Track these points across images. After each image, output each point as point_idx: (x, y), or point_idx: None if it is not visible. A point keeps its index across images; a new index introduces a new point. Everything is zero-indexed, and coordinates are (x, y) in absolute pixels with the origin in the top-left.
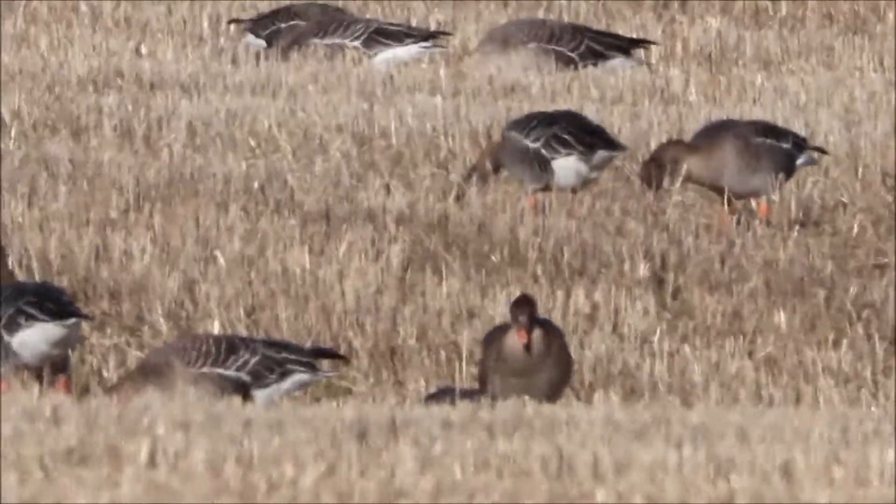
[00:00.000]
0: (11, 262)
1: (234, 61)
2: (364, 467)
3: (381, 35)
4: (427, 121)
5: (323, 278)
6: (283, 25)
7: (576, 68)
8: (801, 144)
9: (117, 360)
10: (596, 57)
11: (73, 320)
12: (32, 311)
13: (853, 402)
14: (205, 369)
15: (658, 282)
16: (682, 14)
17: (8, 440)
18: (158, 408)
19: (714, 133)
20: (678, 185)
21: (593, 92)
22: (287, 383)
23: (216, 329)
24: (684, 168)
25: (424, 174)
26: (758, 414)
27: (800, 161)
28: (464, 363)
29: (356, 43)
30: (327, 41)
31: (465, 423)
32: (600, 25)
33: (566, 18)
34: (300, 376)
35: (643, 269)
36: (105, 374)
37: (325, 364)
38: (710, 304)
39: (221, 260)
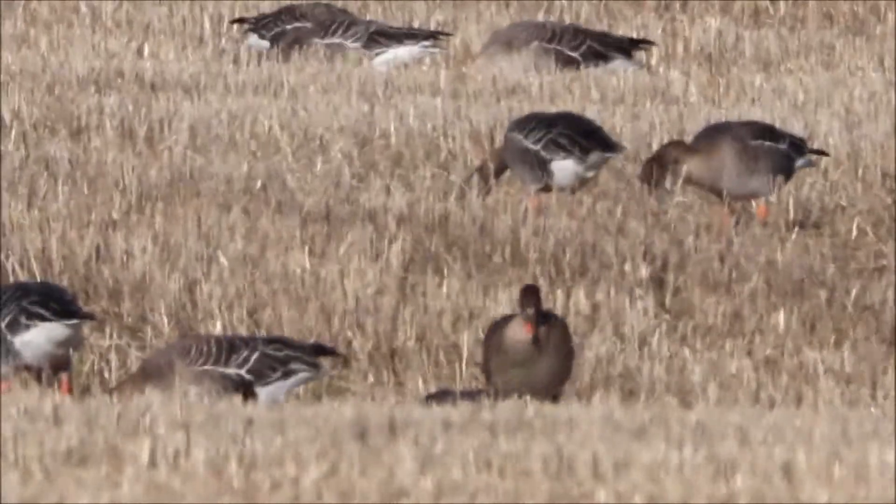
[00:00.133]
0: None
1: (236, 62)
2: (365, 467)
3: (382, 36)
4: (427, 121)
5: (323, 279)
6: (288, 27)
7: (578, 68)
8: (799, 146)
9: (118, 360)
10: (598, 58)
11: (76, 320)
12: (36, 310)
13: (853, 403)
14: (206, 368)
15: (658, 282)
16: (683, 13)
17: (8, 440)
18: (159, 408)
19: (713, 135)
20: (678, 186)
21: (594, 93)
22: (290, 381)
23: (217, 329)
24: (684, 170)
25: (425, 175)
26: (758, 414)
27: (799, 163)
28: (464, 364)
29: (357, 44)
30: (328, 42)
31: (465, 423)
32: (602, 26)
33: (567, 19)
34: (302, 374)
35: (643, 270)
36: (106, 374)
37: (326, 362)
38: (710, 305)
39: (223, 260)
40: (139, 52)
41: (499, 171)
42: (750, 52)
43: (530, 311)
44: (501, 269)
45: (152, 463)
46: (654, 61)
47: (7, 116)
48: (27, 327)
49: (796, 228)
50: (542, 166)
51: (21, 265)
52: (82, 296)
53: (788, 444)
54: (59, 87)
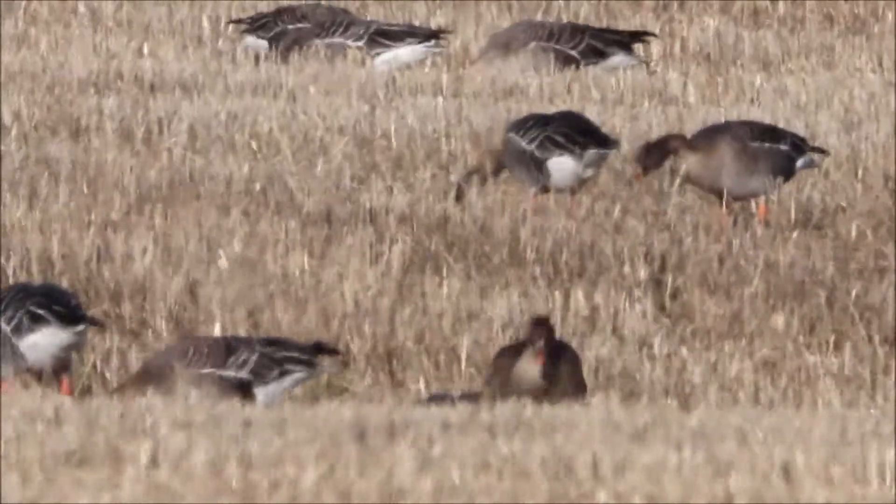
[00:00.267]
0: None
1: (235, 62)
2: (364, 468)
3: (382, 36)
4: (428, 122)
5: (323, 280)
6: (289, 27)
7: (577, 67)
8: (800, 146)
9: (119, 361)
10: (597, 55)
11: (82, 327)
12: (42, 313)
13: (852, 404)
14: (205, 370)
15: (657, 283)
16: (682, 13)
17: (9, 441)
18: (159, 409)
19: (712, 135)
20: (676, 186)
21: (594, 93)
22: (287, 380)
23: (217, 331)
24: (683, 169)
25: (425, 176)
26: (757, 415)
27: (799, 163)
28: (463, 365)
29: (358, 43)
30: (328, 42)
31: (464, 424)
32: (600, 26)
33: (566, 19)
34: (300, 374)
35: (643, 271)
36: (107, 375)
37: (325, 360)
38: (709, 306)
39: (222, 262)
40: (139, 52)
41: (496, 172)
42: (749, 52)
43: (540, 343)
44: (501, 269)
45: (152, 464)
46: (653, 60)
47: (7, 117)
48: (33, 330)
49: (797, 229)
50: (538, 166)
51: (21, 266)
52: (83, 297)
53: (787, 445)
54: (59, 88)
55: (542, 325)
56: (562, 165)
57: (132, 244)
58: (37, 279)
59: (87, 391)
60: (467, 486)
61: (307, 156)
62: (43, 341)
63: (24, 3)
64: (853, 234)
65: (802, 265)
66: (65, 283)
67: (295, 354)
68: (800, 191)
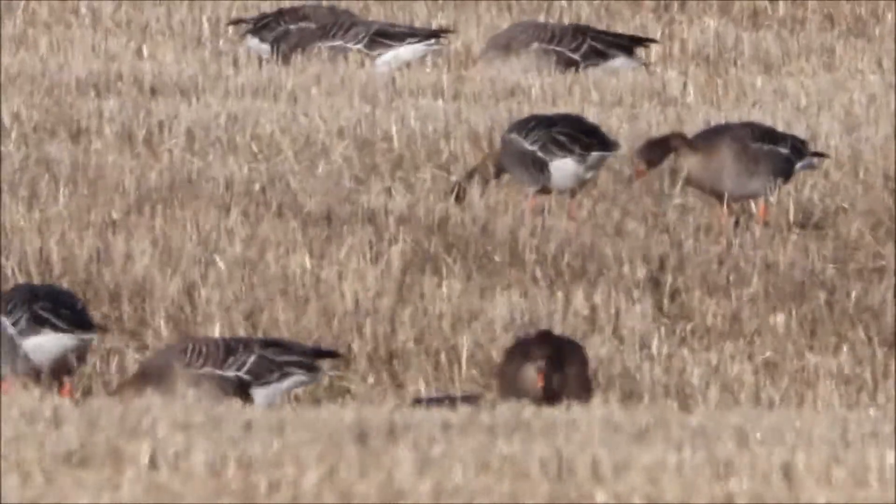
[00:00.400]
0: None
1: (235, 64)
2: (364, 469)
3: (383, 36)
4: (429, 123)
5: (324, 281)
6: (292, 27)
7: (577, 69)
8: (800, 149)
9: (118, 362)
10: (598, 57)
11: (91, 335)
12: (48, 316)
13: (852, 405)
14: (204, 370)
15: (657, 284)
16: (682, 14)
17: (9, 442)
18: (159, 410)
19: (712, 137)
20: (678, 187)
21: (593, 94)
22: (286, 383)
23: (217, 332)
24: (684, 170)
25: (425, 177)
26: (757, 416)
27: (799, 165)
28: (463, 366)
29: (358, 45)
30: (329, 44)
31: (464, 425)
32: (601, 27)
33: (567, 20)
34: (299, 376)
35: (642, 272)
36: (106, 376)
37: (325, 364)
38: (709, 307)
39: (222, 263)
40: (138, 54)
41: (497, 174)
42: (749, 53)
43: (542, 363)
44: (501, 270)
45: (152, 464)
46: (652, 61)
47: (7, 119)
48: (38, 333)
49: (796, 230)
50: (540, 167)
51: (20, 267)
52: (82, 298)
53: (787, 446)
54: (59, 89)
55: (544, 341)
56: (564, 167)
57: (132, 245)
58: (36, 280)
59: (86, 392)
60: (467, 486)
61: (308, 157)
62: (48, 344)
63: (22, 3)
64: (853, 234)
65: (802, 266)
66: (64, 285)
67: (295, 357)
68: (799, 191)
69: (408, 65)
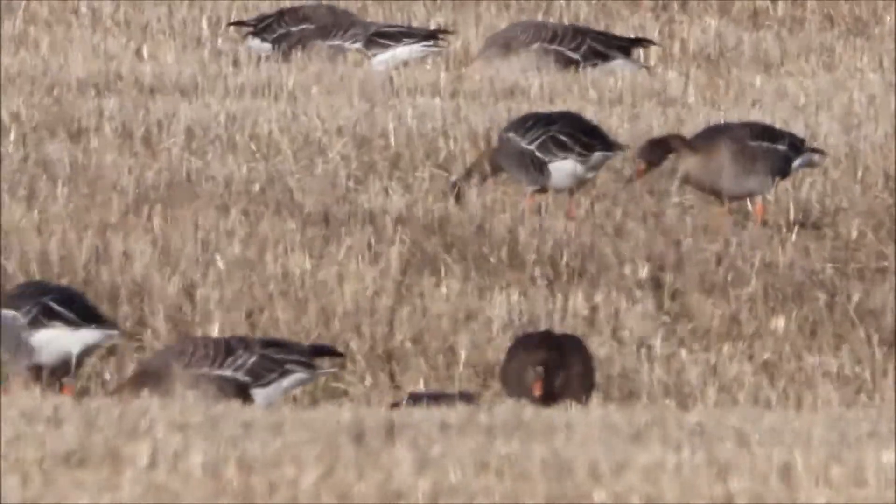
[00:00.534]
0: None
1: (235, 64)
2: (362, 469)
3: (381, 36)
4: (427, 122)
5: (322, 281)
6: (292, 28)
7: (577, 69)
8: (798, 146)
9: (117, 362)
10: (598, 57)
11: (115, 332)
12: (60, 310)
13: (851, 405)
14: (203, 371)
15: (656, 284)
16: (683, 14)
17: (8, 442)
18: (158, 410)
19: (711, 136)
20: (676, 186)
21: (592, 93)
22: (286, 382)
23: (216, 332)
24: (682, 170)
25: (424, 176)
26: (756, 416)
27: (797, 163)
28: (461, 366)
29: (356, 45)
30: (329, 44)
31: (462, 425)
32: (599, 26)
33: (566, 20)
34: (299, 375)
35: (642, 272)
36: (105, 376)
37: (324, 362)
38: (708, 308)
39: (221, 263)
40: (138, 53)
41: (494, 171)
42: (749, 53)
43: (539, 369)
44: (499, 270)
45: (151, 465)
46: (652, 62)
47: (6, 118)
48: (48, 327)
49: (796, 229)
50: (539, 167)
51: (20, 267)
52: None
53: (786, 446)
54: (58, 89)
55: (542, 345)
56: (564, 168)
57: (131, 245)
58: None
59: (85, 392)
60: (466, 486)
61: (307, 156)
62: (58, 340)
63: (23, 3)
64: (853, 234)
65: (801, 266)
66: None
67: (294, 356)
68: (798, 191)
69: (405, 64)
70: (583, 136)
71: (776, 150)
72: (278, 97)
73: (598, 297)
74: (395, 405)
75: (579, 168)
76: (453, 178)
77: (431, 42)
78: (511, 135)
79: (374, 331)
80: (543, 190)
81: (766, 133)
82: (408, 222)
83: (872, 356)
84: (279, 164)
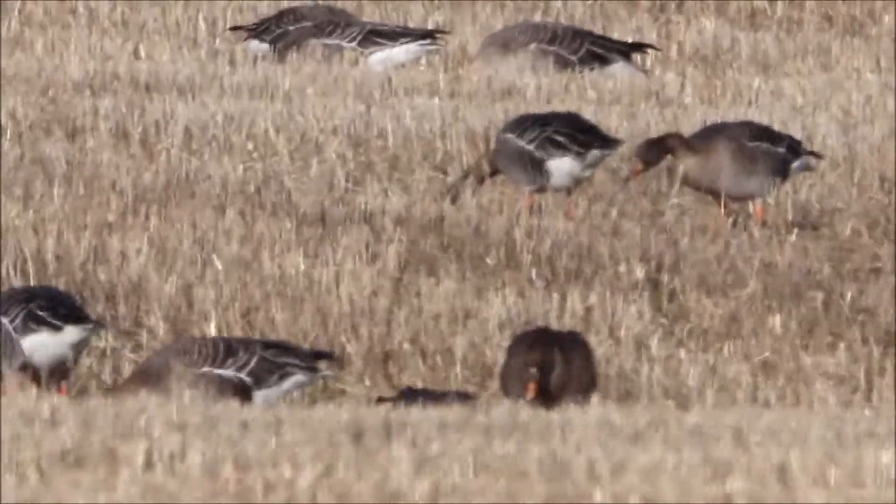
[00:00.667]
0: None
1: (232, 64)
2: (360, 469)
3: (378, 35)
4: (424, 122)
5: (319, 281)
6: (290, 28)
7: (573, 71)
8: (796, 149)
9: (114, 362)
10: (596, 60)
11: (89, 326)
12: (45, 314)
13: (848, 404)
14: (204, 370)
15: (654, 284)
16: (679, 15)
17: (5, 442)
18: (155, 410)
19: (709, 136)
20: (675, 188)
21: (590, 93)
22: (286, 384)
23: (212, 332)
24: (681, 171)
25: (421, 177)
26: (754, 416)
27: (795, 165)
28: (458, 366)
29: (352, 44)
30: (324, 42)
31: (460, 425)
32: (596, 27)
33: (562, 20)
34: (299, 377)
35: (639, 272)
36: (102, 377)
37: (322, 365)
38: (706, 307)
39: (218, 263)
40: (134, 53)
41: (492, 173)
42: (747, 54)
43: (534, 371)
44: (496, 270)
45: (148, 465)
46: (649, 63)
47: (3, 118)
48: (37, 330)
49: (794, 229)
50: (537, 167)
51: (16, 267)
52: (78, 298)
53: (784, 446)
54: (55, 89)
55: (538, 345)
56: (562, 166)
57: (127, 245)
58: (32, 280)
59: (82, 392)
60: (464, 486)
61: (303, 156)
62: (48, 340)
63: (18, 4)
64: (850, 235)
65: (799, 266)
66: (60, 285)
67: (295, 359)
68: (797, 192)
69: (402, 65)
70: (579, 134)
71: (775, 152)
72: (274, 97)
73: (596, 298)
74: (381, 399)
75: (577, 166)
76: (450, 179)
77: (428, 41)
78: (508, 135)
79: (371, 331)
80: (542, 190)
81: (765, 134)
82: (405, 223)
83: (869, 355)
84: (276, 164)
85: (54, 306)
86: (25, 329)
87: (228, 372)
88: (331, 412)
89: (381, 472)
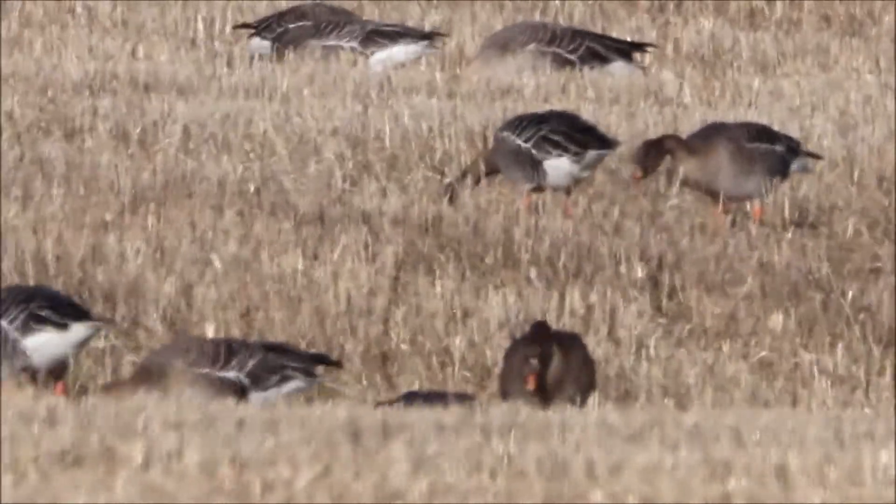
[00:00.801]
0: None
1: (230, 64)
2: (358, 469)
3: (378, 35)
4: (422, 122)
5: (317, 281)
6: (290, 26)
7: (573, 69)
8: (794, 149)
9: (112, 362)
10: (595, 59)
11: (98, 323)
12: (48, 313)
13: (847, 404)
14: (205, 370)
15: (653, 284)
16: (677, 15)
17: (4, 442)
18: (153, 409)
19: (709, 136)
20: (675, 188)
21: (589, 93)
22: (285, 388)
23: (210, 332)
24: (680, 171)
25: (419, 177)
26: (752, 416)
27: (793, 166)
28: (456, 366)
29: (352, 44)
30: (323, 42)
31: (458, 425)
32: (595, 27)
33: (561, 20)
34: (297, 383)
35: (639, 271)
36: (100, 377)
37: (321, 370)
38: (706, 307)
39: (216, 263)
40: (133, 54)
41: (489, 172)
42: (746, 54)
43: (535, 362)
44: (495, 270)
45: (146, 464)
46: (648, 62)
47: (2, 119)
48: (38, 330)
49: (792, 228)
50: (534, 166)
51: (15, 267)
52: (76, 298)
53: (783, 446)
54: (53, 89)
55: (537, 338)
56: (559, 166)
57: (126, 245)
58: (31, 280)
59: (80, 392)
60: (462, 486)
61: (301, 157)
62: (51, 341)
63: (18, 4)
64: (849, 234)
65: (798, 266)
66: (59, 285)
67: (294, 362)
68: (795, 191)
69: (402, 64)
70: (577, 134)
71: (773, 152)
72: (273, 98)
73: (595, 297)
74: (381, 403)
75: (575, 166)
76: (448, 179)
77: (428, 42)
78: (506, 134)
79: (369, 331)
80: (540, 189)
81: (763, 134)
82: (403, 222)
83: (868, 355)
84: (274, 164)
85: (56, 305)
86: (28, 329)
87: (231, 374)
88: (328, 412)
89: (379, 472)
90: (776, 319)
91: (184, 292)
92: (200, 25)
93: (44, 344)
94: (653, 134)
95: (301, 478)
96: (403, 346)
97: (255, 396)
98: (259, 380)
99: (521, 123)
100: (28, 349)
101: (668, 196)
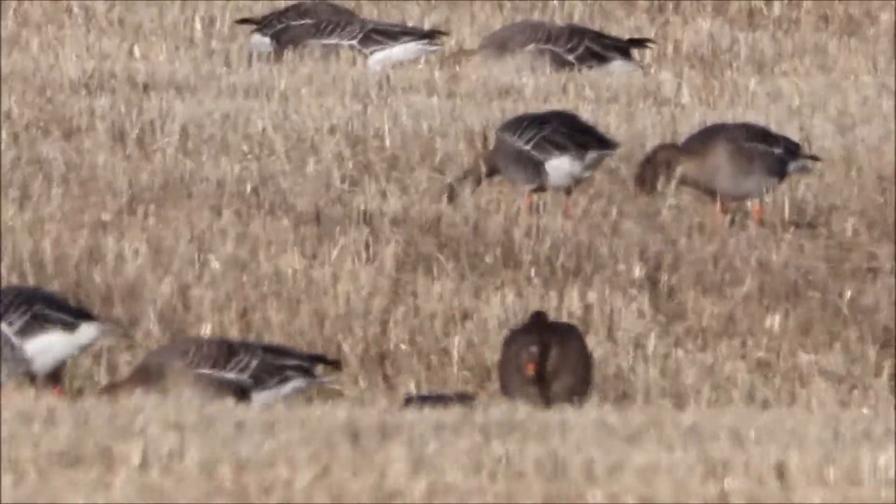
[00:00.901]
0: None
1: (228, 63)
2: (357, 469)
3: (378, 34)
4: (422, 121)
5: (316, 281)
6: (292, 23)
7: (572, 69)
8: (793, 151)
9: (110, 363)
10: (594, 59)
11: (105, 326)
12: (55, 314)
13: (845, 404)
14: (205, 371)
15: (652, 283)
16: (676, 15)
17: (3, 442)
18: (151, 409)
19: (707, 137)
20: (673, 187)
21: (588, 93)
22: (285, 388)
23: (209, 332)
24: (679, 171)
25: (419, 177)
26: (751, 416)
27: (792, 167)
28: (455, 367)
29: (352, 42)
30: (323, 41)
31: (457, 426)
32: (594, 27)
33: (559, 20)
34: (297, 384)
35: (637, 271)
36: (97, 377)
37: (320, 370)
38: (704, 307)
39: (214, 263)
40: (130, 53)
41: (489, 173)
42: (745, 54)
43: (534, 349)
44: (494, 270)
45: (144, 464)
46: (647, 62)
47: None
48: (41, 333)
49: (791, 228)
50: (535, 167)
51: (13, 267)
52: (74, 299)
53: (781, 446)
54: (51, 89)
55: (534, 331)
56: (560, 166)
57: (124, 245)
58: (28, 281)
59: (79, 393)
60: (461, 486)
61: (300, 156)
62: (54, 345)
63: (14, 3)
64: (847, 234)
65: (796, 265)
66: (56, 285)
67: (295, 363)
68: (793, 190)
69: (401, 64)
70: (578, 134)
71: (771, 153)
72: (271, 97)
73: (594, 297)
74: (409, 399)
75: (575, 167)
76: (448, 180)
77: (428, 41)
78: (506, 134)
79: (368, 331)
80: (540, 189)
81: (762, 135)
82: (403, 223)
83: (867, 355)
84: (272, 164)
85: (61, 306)
86: (31, 331)
87: (232, 375)
88: (327, 412)
89: (377, 473)
90: (774, 319)
91: (181, 292)
92: (199, 25)
93: (49, 345)
94: (651, 134)
95: (300, 478)
96: (402, 347)
97: (255, 397)
98: (260, 380)
99: (522, 124)
100: (31, 351)
101: (667, 196)
